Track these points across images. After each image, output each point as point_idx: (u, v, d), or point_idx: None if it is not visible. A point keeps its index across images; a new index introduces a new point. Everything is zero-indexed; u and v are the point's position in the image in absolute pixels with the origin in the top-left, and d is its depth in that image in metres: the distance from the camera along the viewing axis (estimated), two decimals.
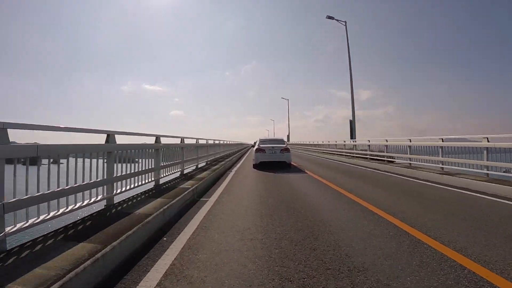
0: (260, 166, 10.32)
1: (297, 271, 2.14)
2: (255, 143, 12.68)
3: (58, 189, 2.67)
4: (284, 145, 11.04)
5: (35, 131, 2.49)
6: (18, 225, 2.33)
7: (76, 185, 2.95)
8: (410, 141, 9.46)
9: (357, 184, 6.64)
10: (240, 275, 2.09)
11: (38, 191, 2.47)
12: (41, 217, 2.51)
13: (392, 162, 10.54)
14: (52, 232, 2.59)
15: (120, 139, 3.88)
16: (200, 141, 9.24)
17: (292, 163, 11.35)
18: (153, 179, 5.16)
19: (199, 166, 9.12)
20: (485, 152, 6.24)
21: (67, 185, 2.82)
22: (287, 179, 7.42)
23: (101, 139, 3.60)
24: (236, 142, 25.35)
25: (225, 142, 16.84)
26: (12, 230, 2.23)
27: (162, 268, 2.23)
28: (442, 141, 7.80)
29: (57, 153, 2.80)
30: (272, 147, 10.68)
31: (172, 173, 6.36)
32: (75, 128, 3.06)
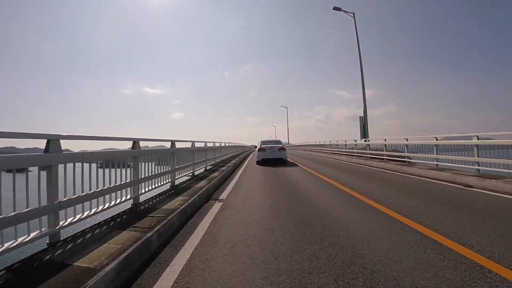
0: (262, 162, 12.73)
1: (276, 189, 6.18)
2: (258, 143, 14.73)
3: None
4: (281, 145, 13.63)
5: None
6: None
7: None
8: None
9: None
10: (259, 196, 5.34)
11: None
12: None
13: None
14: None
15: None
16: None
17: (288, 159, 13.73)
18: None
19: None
20: None
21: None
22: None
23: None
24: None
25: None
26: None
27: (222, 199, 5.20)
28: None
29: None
30: (271, 147, 13.17)
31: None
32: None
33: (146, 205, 4.07)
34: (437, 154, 7.83)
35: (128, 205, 3.98)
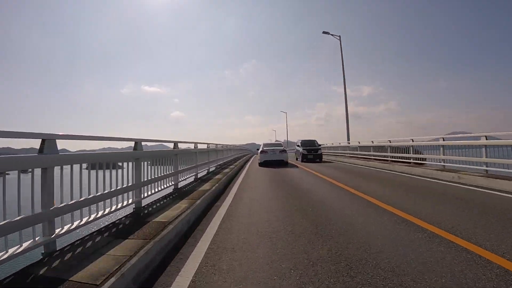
0: (264, 164, 13.71)
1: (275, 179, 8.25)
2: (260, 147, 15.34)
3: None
4: (281, 148, 14.74)
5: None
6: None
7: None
8: None
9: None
10: (264, 184, 7.21)
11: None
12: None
13: None
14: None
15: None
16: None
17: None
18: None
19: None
20: None
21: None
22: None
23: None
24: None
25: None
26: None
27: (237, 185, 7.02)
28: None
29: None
30: (273, 149, 14.24)
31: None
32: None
33: (186, 188, 5.80)
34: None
35: (170, 190, 5.53)
